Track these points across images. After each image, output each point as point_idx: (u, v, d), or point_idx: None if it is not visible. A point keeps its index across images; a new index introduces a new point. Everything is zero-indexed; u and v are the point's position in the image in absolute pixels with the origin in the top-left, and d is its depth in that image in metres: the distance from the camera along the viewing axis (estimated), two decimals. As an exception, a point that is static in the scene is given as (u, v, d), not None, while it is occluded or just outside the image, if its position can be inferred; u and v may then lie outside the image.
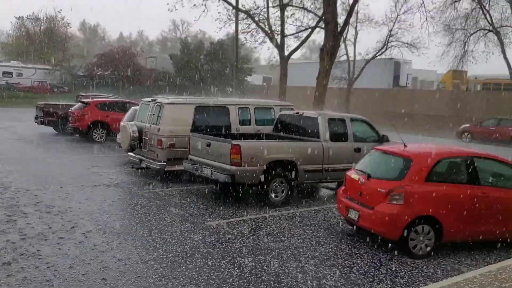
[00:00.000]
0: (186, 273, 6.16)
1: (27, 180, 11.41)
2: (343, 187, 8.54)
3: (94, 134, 19.74)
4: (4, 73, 52.95)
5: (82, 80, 52.45)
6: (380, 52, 40.93)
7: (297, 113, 12.10)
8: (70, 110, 20.57)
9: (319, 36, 39.91)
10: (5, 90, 47.52)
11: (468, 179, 7.58)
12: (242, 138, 11.04)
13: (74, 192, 10.46)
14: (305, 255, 7.09)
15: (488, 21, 34.38)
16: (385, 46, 40.63)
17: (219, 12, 27.62)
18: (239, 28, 27.96)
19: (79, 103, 21.09)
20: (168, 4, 24.07)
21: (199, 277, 6.05)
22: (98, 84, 47.74)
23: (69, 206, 9.23)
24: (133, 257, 6.66)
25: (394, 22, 39.66)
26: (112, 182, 11.76)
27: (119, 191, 10.97)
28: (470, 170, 7.63)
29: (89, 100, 21.78)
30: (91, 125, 19.68)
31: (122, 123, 13.72)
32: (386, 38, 40.16)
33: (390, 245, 7.43)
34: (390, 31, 39.96)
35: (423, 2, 25.65)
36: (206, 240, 7.56)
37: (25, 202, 9.39)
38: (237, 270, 6.34)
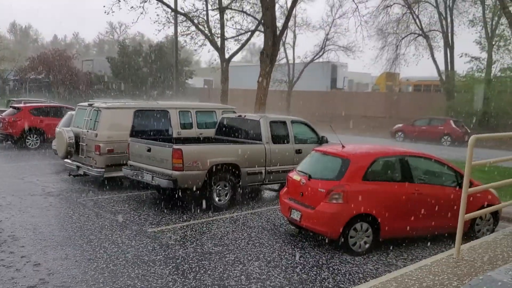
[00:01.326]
0: (129, 282, 6.00)
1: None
2: (285, 189, 8.65)
3: (27, 140, 18.92)
4: None
5: (13, 84, 50.01)
6: (317, 56, 41.83)
7: (239, 116, 12.15)
8: (0, 116, 19.57)
9: (259, 40, 40.32)
10: None
11: (402, 177, 7.87)
12: (184, 142, 10.94)
13: (7, 202, 9.92)
14: (249, 258, 7.11)
15: (417, 26, 36.00)
16: (322, 50, 41.55)
17: (157, 15, 27.01)
18: (179, 30, 27.70)
19: (11, 109, 20.13)
20: (104, 6, 23.36)
21: (142, 285, 5.92)
22: (31, 88, 45.72)
23: (2, 217, 8.76)
24: (73, 268, 6.41)
25: (330, 26, 40.66)
26: (48, 191, 11.27)
27: (56, 199, 10.51)
28: (404, 168, 7.94)
29: (22, 105, 20.81)
30: (25, 131, 18.83)
31: (57, 129, 13.19)
32: (323, 41, 41.10)
33: (331, 243, 7.62)
34: (327, 35, 40.95)
35: (357, 7, 26.26)
36: (148, 247, 7.40)
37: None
38: (181, 277, 6.26)
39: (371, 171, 7.66)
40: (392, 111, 37.77)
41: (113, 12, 22.72)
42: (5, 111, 20.37)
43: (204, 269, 6.56)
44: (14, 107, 20.06)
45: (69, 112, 15.57)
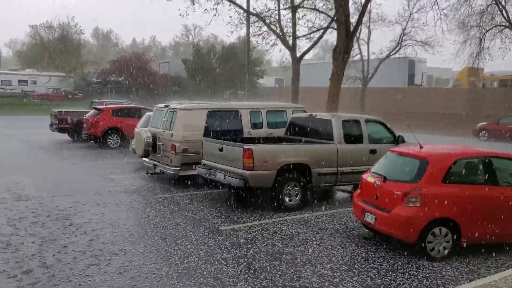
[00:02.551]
0: (202, 279, 6.12)
1: (42, 189, 11.52)
2: (358, 190, 8.45)
3: (108, 140, 19.90)
4: (19, 81, 53.82)
5: (96, 86, 52.94)
6: (394, 51, 40.65)
7: (310, 115, 12.02)
8: (84, 117, 20.77)
9: (331, 36, 39.50)
10: (20, 98, 48.26)
11: (486, 179, 7.43)
12: (255, 142, 11.00)
13: (89, 199, 10.52)
14: (320, 260, 7.01)
15: (504, 17, 33.72)
16: (399, 45, 40.34)
17: (230, 16, 27.43)
18: (251, 31, 27.97)
19: (94, 110, 21.27)
20: (179, 9, 24.21)
21: (214, 283, 6.01)
22: (112, 90, 48.15)
23: (84, 213, 9.31)
24: (149, 264, 6.66)
25: (407, 21, 39.33)
26: (127, 188, 11.82)
27: (134, 197, 11.00)
28: (488, 170, 7.48)
29: (104, 106, 21.96)
30: (106, 132, 19.84)
31: (136, 129, 13.79)
32: (400, 37, 39.87)
33: (407, 248, 7.34)
34: (404, 29, 39.68)
35: (436, 0, 25.08)
36: (220, 245, 7.52)
37: (40, 210, 9.47)
38: (252, 276, 6.29)
39: (451, 173, 7.28)
40: (475, 108, 35.76)
41: (188, 15, 23.47)
42: (88, 112, 21.54)
43: (275, 270, 6.55)
44: (97, 109, 21.20)
45: (147, 113, 16.17)
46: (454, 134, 29.25)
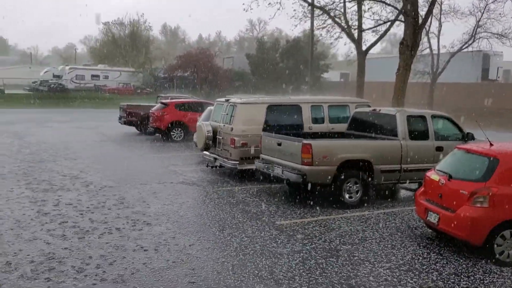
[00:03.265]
0: (256, 271, 6.14)
1: (110, 178, 12.00)
2: (422, 189, 8.11)
3: (173, 133, 20.38)
4: (92, 76, 56.49)
5: (163, 81, 54.48)
6: (466, 44, 38.53)
7: (374, 110, 11.68)
8: (151, 111, 21.40)
9: (399, 29, 38.24)
10: (93, 92, 50.66)
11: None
12: (314, 137, 10.85)
13: (153, 190, 10.84)
14: (379, 259, 6.81)
15: None
16: (473, 38, 38.20)
17: (294, 10, 27.30)
18: (315, 24, 27.66)
19: (159, 104, 21.85)
20: (243, 4, 24.33)
21: (269, 276, 6.00)
22: (178, 85, 49.38)
23: (147, 203, 9.59)
24: (205, 254, 6.75)
25: (483, 12, 37.13)
26: (188, 180, 12.06)
27: (194, 188, 11.21)
28: None
29: (169, 101, 22.49)
30: (170, 125, 20.33)
31: (198, 123, 14.04)
32: (474, 29, 37.76)
33: (473, 251, 6.96)
34: (478, 21, 37.54)
35: None
36: (276, 240, 7.49)
37: (107, 199, 9.87)
38: (307, 272, 6.22)
39: (524, 172, 6.81)
40: None
41: (251, 9, 23.51)
42: (154, 106, 22.17)
43: (331, 266, 6.44)
44: (162, 103, 21.75)
45: (208, 107, 16.37)
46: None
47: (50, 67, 66.75)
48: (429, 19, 23.02)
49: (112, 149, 17.92)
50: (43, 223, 8.05)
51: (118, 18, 71.84)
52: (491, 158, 7.02)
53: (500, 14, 40.29)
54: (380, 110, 11.40)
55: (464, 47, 38.95)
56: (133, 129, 23.71)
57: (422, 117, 10.80)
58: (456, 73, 39.79)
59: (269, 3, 24.18)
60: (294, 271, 6.22)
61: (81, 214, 8.67)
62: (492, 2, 36.40)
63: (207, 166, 13.47)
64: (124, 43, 68.62)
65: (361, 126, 11.52)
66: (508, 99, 35.74)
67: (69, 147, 17.48)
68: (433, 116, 10.94)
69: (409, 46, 17.69)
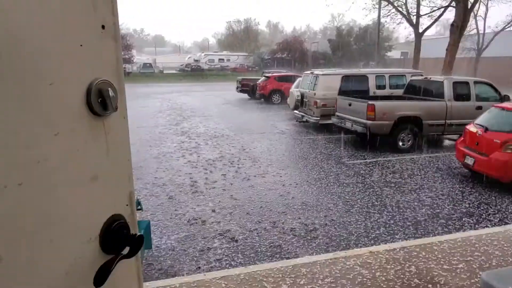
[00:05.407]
0: (329, 195, 6.15)
1: (229, 129, 12.49)
2: (461, 138, 7.43)
3: (272, 98, 20.45)
4: (219, 59, 57.86)
5: (266, 61, 54.34)
6: (509, 25, 33.26)
7: (426, 78, 10.74)
8: (257, 82, 21.60)
9: (451, 14, 34.03)
10: (219, 70, 52.12)
11: None
12: (377, 99, 10.30)
13: (257, 136, 11.12)
14: (423, 190, 6.46)
15: None
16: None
17: (365, 3, 25.45)
18: (381, 13, 25.53)
19: (263, 77, 21.93)
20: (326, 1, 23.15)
21: (338, 199, 6.00)
22: (277, 64, 48.97)
23: (254, 145, 9.88)
24: (293, 183, 6.88)
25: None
26: (282, 131, 12.15)
27: (286, 137, 11.30)
28: None
29: (270, 74, 22.52)
30: (271, 92, 20.40)
31: (290, 90, 13.95)
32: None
33: (501, 187, 6.33)
34: (523, 4, 32.04)
35: None
36: (345, 174, 7.39)
37: (228, 143, 10.33)
38: (367, 197, 6.11)
39: (553, 126, 5.95)
40: None
41: (332, 4, 22.23)
42: (260, 79, 22.34)
43: (385, 194, 6.24)
44: (266, 76, 21.81)
45: (298, 79, 16.16)
46: None
47: (192, 54, 69.34)
48: (477, 3, 20.04)
49: (231, 109, 18.47)
50: (184, 149, 8.72)
51: (237, 18, 72.08)
52: (524, 115, 6.22)
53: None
54: (430, 78, 10.46)
55: (507, 27, 33.65)
56: (245, 96, 24.08)
57: (466, 83, 9.73)
58: (500, 49, 34.65)
59: (346, -1, 22.64)
60: (357, 196, 6.14)
61: (211, 151, 9.21)
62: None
63: (297, 121, 13.45)
64: (240, 35, 69.05)
65: (415, 91, 10.69)
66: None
67: (202, 107, 18.35)
68: (475, 82, 9.82)
69: (458, 27, 15.82)
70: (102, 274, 0.91)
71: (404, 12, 23.63)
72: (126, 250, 1.00)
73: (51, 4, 0.83)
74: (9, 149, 0.77)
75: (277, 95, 20.44)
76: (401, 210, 5.52)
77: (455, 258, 3.90)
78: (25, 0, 0.78)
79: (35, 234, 0.82)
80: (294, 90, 13.03)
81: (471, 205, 5.74)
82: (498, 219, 5.23)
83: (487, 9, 34.83)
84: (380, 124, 8.92)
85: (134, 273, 1.13)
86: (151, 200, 5.91)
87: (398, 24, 25.77)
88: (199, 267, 3.95)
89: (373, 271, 3.65)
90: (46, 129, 0.83)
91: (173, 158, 8.48)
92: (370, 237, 4.65)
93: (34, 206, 0.82)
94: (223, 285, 3.42)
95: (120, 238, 1.00)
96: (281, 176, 7.15)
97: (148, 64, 50.27)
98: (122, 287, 1.07)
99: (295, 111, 13.15)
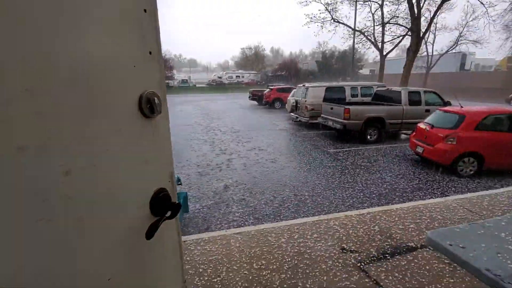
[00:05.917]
0: (316, 174, 6.11)
1: (242, 126, 12.40)
2: (414, 133, 7.29)
3: (275, 105, 20.02)
4: (236, 76, 57.43)
5: (270, 77, 53.84)
6: (451, 48, 32.28)
7: (388, 89, 10.52)
8: (264, 92, 21.35)
9: (407, 41, 33.15)
10: (236, 84, 51.76)
11: (507, 129, 5.74)
12: (351, 105, 10.14)
13: (263, 132, 11.04)
14: (384, 170, 6.39)
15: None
16: (456, 44, 31.81)
17: (343, 33, 25.01)
18: (356, 41, 24.99)
19: (268, 89, 21.64)
20: (314, 32, 22.73)
21: (323, 177, 5.96)
22: (278, 79, 48.50)
23: (258, 138, 9.80)
24: (289, 166, 6.83)
25: (464, 27, 30.51)
26: (281, 128, 12.03)
27: (284, 132, 11.19)
28: (510, 122, 5.75)
29: (273, 87, 22.24)
30: (274, 100, 20.02)
31: (288, 98, 13.80)
32: (457, 38, 31.32)
33: (443, 169, 6.21)
34: (460, 33, 30.99)
35: (486, 10, 18.91)
36: (328, 159, 7.32)
37: (242, 136, 10.29)
38: (343, 176, 6.05)
39: (483, 123, 5.79)
40: (510, 85, 26.97)
41: (319, 35, 21.78)
42: (265, 90, 22.09)
43: (356, 173, 6.18)
44: (270, 88, 21.49)
45: (293, 90, 15.92)
46: (491, 102, 22.70)
47: (216, 73, 68.97)
48: (427, 33, 19.50)
49: (244, 112, 18.33)
50: (211, 140, 8.71)
51: (248, 45, 71.14)
52: (461, 115, 6.06)
53: (475, 27, 32.53)
54: (391, 88, 10.24)
55: (449, 50, 32.68)
56: (255, 103, 23.84)
57: (418, 92, 9.50)
58: (443, 67, 33.78)
59: (329, 31, 22.78)
60: (336, 175, 6.08)
61: (228, 143, 9.19)
62: (471, 20, 29.68)
63: (292, 121, 13.32)
64: (251, 58, 68.35)
65: (380, 98, 10.49)
66: (478, 82, 29.76)
67: (223, 111, 18.24)
68: (425, 91, 9.58)
69: (413, 50, 15.37)
70: (152, 230, 0.93)
71: (372, 40, 23.09)
72: (168, 214, 1.01)
73: (114, 38, 0.83)
74: (86, 140, 0.78)
75: (278, 102, 20.09)
76: (369, 186, 5.47)
77: (408, 220, 3.86)
78: (97, 37, 0.79)
79: (106, 201, 0.83)
80: (291, 98, 12.91)
81: (420, 182, 5.66)
82: (440, 192, 5.15)
83: (434, 37, 34.04)
84: (353, 123, 8.79)
85: (174, 230, 1.14)
86: (189, 176, 5.96)
87: (367, 48, 25.34)
88: (222, 225, 3.98)
89: (347, 229, 3.64)
90: (111, 126, 0.84)
91: (202, 147, 8.50)
92: (346, 205, 4.62)
93: (105, 181, 0.83)
94: (239, 238, 3.45)
95: (164, 205, 1.01)
96: (281, 160, 7.13)
97: (185, 80, 50.16)
98: (166, 239, 1.09)
99: (291, 113, 13.04)
